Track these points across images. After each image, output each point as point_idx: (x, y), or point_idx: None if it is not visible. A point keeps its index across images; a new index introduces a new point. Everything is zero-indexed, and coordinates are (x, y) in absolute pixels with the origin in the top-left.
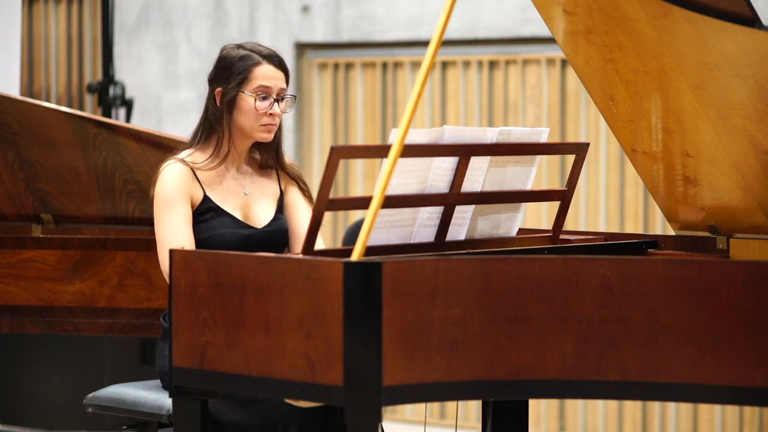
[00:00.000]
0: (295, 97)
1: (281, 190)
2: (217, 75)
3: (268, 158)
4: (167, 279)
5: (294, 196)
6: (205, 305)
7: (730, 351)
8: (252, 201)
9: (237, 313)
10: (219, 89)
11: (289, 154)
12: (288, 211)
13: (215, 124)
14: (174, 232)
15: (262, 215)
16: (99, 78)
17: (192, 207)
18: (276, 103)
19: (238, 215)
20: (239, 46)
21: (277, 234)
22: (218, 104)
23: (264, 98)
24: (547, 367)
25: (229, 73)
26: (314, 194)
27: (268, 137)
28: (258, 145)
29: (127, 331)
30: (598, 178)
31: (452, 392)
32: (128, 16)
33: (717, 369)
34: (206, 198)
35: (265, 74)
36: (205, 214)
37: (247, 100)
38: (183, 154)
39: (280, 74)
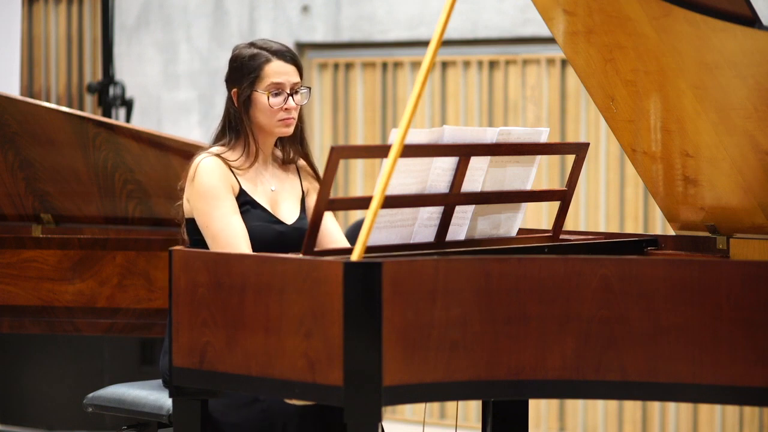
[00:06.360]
0: (309, 89)
1: (303, 191)
2: (231, 76)
3: (292, 150)
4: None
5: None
6: (205, 305)
7: (730, 351)
8: (279, 198)
9: (237, 313)
10: (234, 89)
11: None
12: (308, 212)
13: (237, 125)
14: (228, 222)
15: (288, 213)
16: (99, 78)
17: None
18: (290, 97)
19: (269, 210)
20: (251, 45)
21: (305, 233)
22: (236, 105)
23: (277, 94)
24: (547, 367)
25: (242, 73)
26: None
27: (288, 131)
28: (282, 139)
29: (127, 331)
30: (598, 178)
31: (452, 392)
32: (128, 16)
33: (717, 369)
34: (242, 191)
35: (276, 70)
36: (241, 207)
37: (261, 98)
38: (213, 150)
39: (291, 68)
